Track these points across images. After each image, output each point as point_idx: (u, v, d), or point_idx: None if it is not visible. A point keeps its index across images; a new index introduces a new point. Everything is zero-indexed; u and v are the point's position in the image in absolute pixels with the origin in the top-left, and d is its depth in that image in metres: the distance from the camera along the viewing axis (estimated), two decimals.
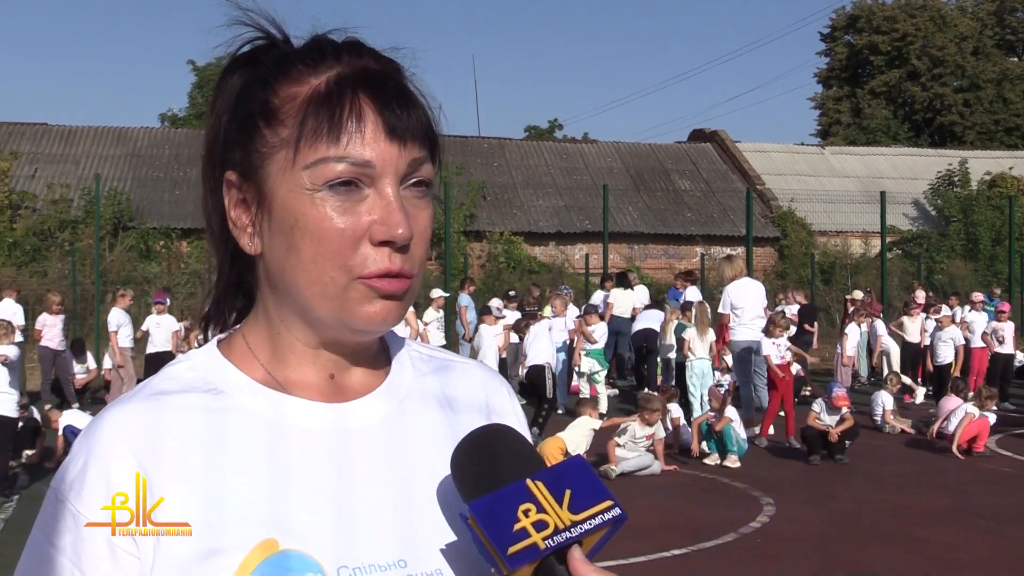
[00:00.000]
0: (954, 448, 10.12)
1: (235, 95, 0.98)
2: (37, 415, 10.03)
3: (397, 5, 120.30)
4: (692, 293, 15.09)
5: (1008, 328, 14.23)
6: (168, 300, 14.87)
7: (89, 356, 14.97)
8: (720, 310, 11.59)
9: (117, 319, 13.73)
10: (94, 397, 14.06)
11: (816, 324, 15.66)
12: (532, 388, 11.54)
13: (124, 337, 13.75)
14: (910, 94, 42.97)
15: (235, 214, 0.98)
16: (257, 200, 0.96)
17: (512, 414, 1.10)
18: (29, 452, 9.65)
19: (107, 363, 14.62)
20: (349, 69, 0.95)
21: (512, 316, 13.79)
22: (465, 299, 15.92)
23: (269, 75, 0.96)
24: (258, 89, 0.96)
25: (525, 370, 11.70)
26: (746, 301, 11.04)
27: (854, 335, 14.80)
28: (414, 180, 0.95)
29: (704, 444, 9.94)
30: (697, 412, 11.09)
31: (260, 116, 0.95)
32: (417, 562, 0.95)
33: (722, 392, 10.58)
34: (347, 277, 0.93)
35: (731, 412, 9.87)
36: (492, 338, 12.16)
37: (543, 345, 11.68)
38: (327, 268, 0.93)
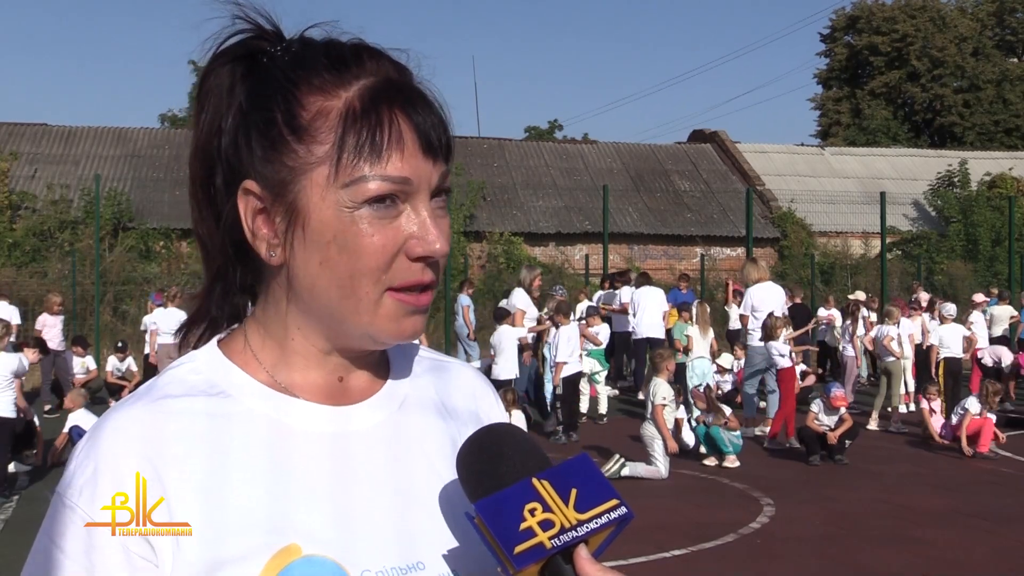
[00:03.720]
0: (964, 445, 10.20)
1: (246, 97, 0.96)
2: (35, 417, 9.99)
3: (397, 5, 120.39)
4: (626, 294, 14.76)
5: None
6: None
7: (89, 356, 14.97)
8: (740, 311, 11.55)
9: (180, 318, 13.51)
10: (94, 397, 14.04)
11: (813, 321, 15.57)
12: (563, 396, 11.33)
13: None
14: (910, 95, 42.98)
15: (255, 224, 0.96)
16: (288, 214, 0.94)
17: (498, 415, 1.11)
18: (28, 452, 9.62)
19: (117, 366, 14.61)
20: (375, 78, 0.94)
21: None
22: (466, 299, 15.90)
23: (291, 84, 0.94)
24: (280, 100, 0.94)
25: (557, 378, 11.34)
26: (767, 305, 11.00)
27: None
28: (440, 193, 0.97)
29: (703, 446, 9.94)
30: (697, 412, 11.08)
31: (289, 130, 0.93)
32: (433, 564, 0.95)
33: (702, 390, 10.60)
34: (380, 291, 0.94)
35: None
36: (512, 338, 12.05)
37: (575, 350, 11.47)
38: (363, 283, 0.93)
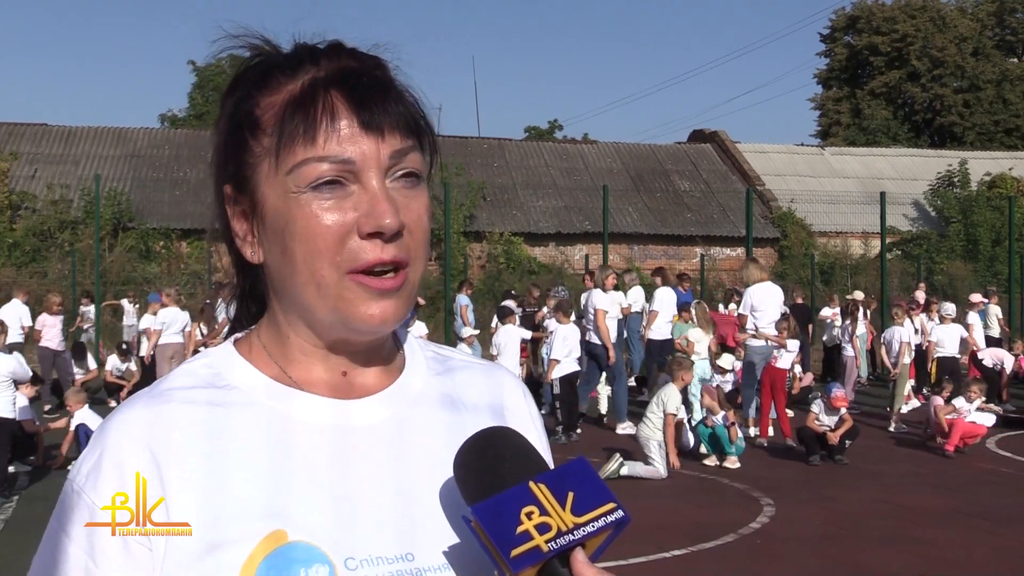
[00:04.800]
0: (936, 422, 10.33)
1: (229, 110, 1.01)
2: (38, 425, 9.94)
3: (397, 6, 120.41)
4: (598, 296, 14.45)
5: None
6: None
7: (89, 357, 14.98)
8: (740, 311, 11.53)
9: (184, 318, 13.54)
10: (94, 398, 14.04)
11: (810, 325, 15.56)
12: (562, 395, 11.36)
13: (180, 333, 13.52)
14: (910, 95, 42.98)
15: (236, 225, 1.01)
16: (252, 209, 0.98)
17: (527, 414, 1.11)
18: (31, 458, 9.61)
19: (117, 365, 14.60)
20: (325, 71, 0.96)
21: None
22: (464, 299, 15.89)
23: (252, 87, 0.98)
24: (243, 102, 0.98)
25: (553, 375, 11.29)
26: (767, 305, 10.99)
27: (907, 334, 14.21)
28: (401, 171, 0.96)
29: (703, 446, 9.94)
30: (697, 412, 11.08)
31: (247, 128, 0.97)
32: (424, 556, 0.95)
33: (713, 387, 10.59)
34: (338, 273, 0.94)
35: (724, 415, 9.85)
36: (515, 338, 12.04)
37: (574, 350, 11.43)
38: (318, 266, 0.94)
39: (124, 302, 19.15)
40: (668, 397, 9.24)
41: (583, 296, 12.69)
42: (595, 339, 11.71)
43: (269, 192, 0.96)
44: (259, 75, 0.99)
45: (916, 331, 13.52)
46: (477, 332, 14.95)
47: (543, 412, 12.70)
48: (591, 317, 11.78)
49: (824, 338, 16.82)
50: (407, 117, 0.97)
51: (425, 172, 0.99)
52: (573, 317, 11.84)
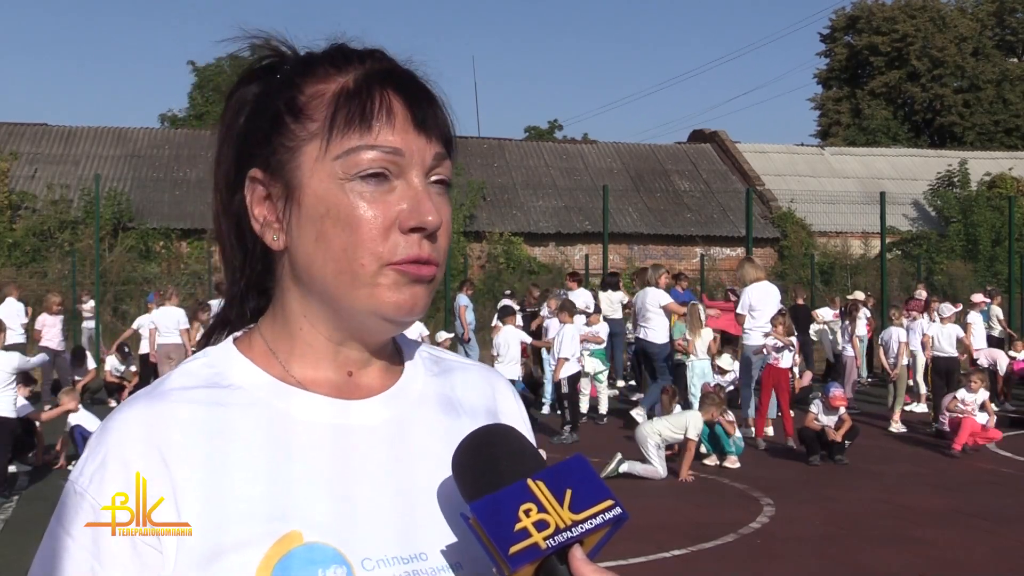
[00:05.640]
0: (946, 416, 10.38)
1: (255, 97, 1.00)
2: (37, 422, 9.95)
3: (397, 6, 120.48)
4: (581, 295, 14.23)
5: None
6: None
7: (89, 359, 14.97)
8: (738, 310, 11.54)
9: (178, 317, 13.54)
10: (93, 398, 14.05)
11: (810, 327, 15.53)
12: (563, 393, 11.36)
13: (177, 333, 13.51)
14: (910, 95, 42.99)
15: (259, 210, 0.99)
16: (285, 193, 0.98)
17: (518, 417, 1.12)
18: (28, 455, 9.61)
19: (116, 365, 14.57)
20: (377, 68, 0.98)
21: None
22: (464, 299, 15.87)
23: (295, 74, 0.99)
24: (283, 88, 0.99)
25: (558, 374, 11.36)
26: (765, 304, 11.00)
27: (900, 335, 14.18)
28: (436, 177, 0.98)
29: (703, 446, 9.94)
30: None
31: (287, 112, 0.97)
32: (437, 557, 0.96)
33: (712, 386, 10.58)
34: (377, 264, 0.95)
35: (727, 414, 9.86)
36: (516, 339, 12.05)
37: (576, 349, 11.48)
38: (358, 256, 0.95)
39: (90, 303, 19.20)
40: (692, 423, 9.22)
41: (636, 297, 12.75)
42: (651, 338, 11.79)
43: (311, 175, 0.96)
44: (301, 64, 1.00)
45: (923, 332, 13.45)
46: (451, 336, 15.01)
47: (543, 412, 12.78)
48: (648, 316, 11.85)
49: (824, 339, 16.81)
50: (445, 127, 1.00)
51: (451, 183, 1.01)
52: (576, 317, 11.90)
